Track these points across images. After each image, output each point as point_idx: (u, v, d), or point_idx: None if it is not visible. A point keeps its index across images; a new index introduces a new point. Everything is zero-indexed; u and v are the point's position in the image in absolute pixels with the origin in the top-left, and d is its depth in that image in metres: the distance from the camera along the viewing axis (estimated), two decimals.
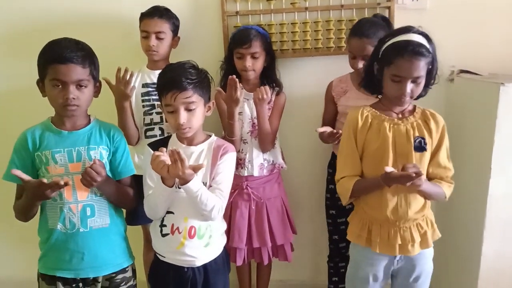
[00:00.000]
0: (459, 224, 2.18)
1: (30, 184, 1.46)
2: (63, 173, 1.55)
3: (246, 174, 2.07)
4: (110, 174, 1.64)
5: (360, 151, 1.67)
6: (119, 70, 1.92)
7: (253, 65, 2.01)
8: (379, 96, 1.74)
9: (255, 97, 1.95)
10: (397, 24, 2.15)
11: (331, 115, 2.13)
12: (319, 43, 2.24)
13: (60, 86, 1.52)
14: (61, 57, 1.50)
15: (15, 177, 1.48)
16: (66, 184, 1.43)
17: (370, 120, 1.65)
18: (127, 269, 1.71)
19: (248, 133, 2.08)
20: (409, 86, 1.55)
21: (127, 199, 1.69)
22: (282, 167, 2.16)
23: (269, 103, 2.05)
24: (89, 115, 1.67)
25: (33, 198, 1.51)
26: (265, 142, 2.05)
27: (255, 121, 2.04)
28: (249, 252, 2.13)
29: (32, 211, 1.58)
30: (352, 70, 2.08)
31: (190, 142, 1.66)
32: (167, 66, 1.70)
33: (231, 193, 2.03)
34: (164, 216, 1.63)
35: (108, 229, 1.63)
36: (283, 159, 2.19)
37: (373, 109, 1.68)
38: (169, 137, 1.73)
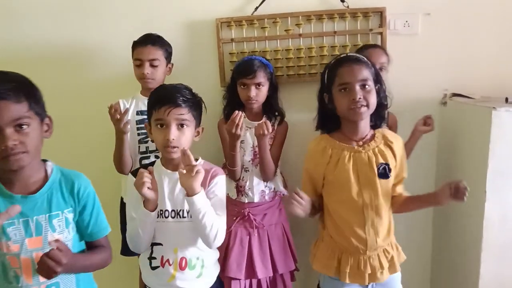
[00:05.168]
0: (457, 247, 2.17)
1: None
2: (19, 251, 1.25)
3: (246, 201, 2.05)
4: (78, 236, 1.39)
5: (321, 181, 1.66)
6: (110, 107, 1.87)
7: (257, 95, 2.01)
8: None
9: (256, 132, 1.93)
10: (389, 49, 2.19)
11: None
12: (313, 68, 2.27)
13: None
14: None
15: None
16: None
17: (329, 151, 1.62)
18: None
19: (249, 161, 2.07)
20: (359, 91, 1.53)
21: (101, 266, 1.43)
22: (283, 195, 2.13)
23: (271, 131, 2.05)
24: (45, 163, 1.34)
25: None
26: (267, 173, 2.03)
27: (257, 149, 2.02)
28: (247, 284, 2.05)
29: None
30: None
31: (175, 167, 1.54)
32: (160, 86, 1.64)
33: (233, 221, 2.02)
34: (153, 248, 1.56)
35: None
36: (285, 186, 2.16)
37: (332, 139, 1.65)
38: (152, 163, 1.62)
